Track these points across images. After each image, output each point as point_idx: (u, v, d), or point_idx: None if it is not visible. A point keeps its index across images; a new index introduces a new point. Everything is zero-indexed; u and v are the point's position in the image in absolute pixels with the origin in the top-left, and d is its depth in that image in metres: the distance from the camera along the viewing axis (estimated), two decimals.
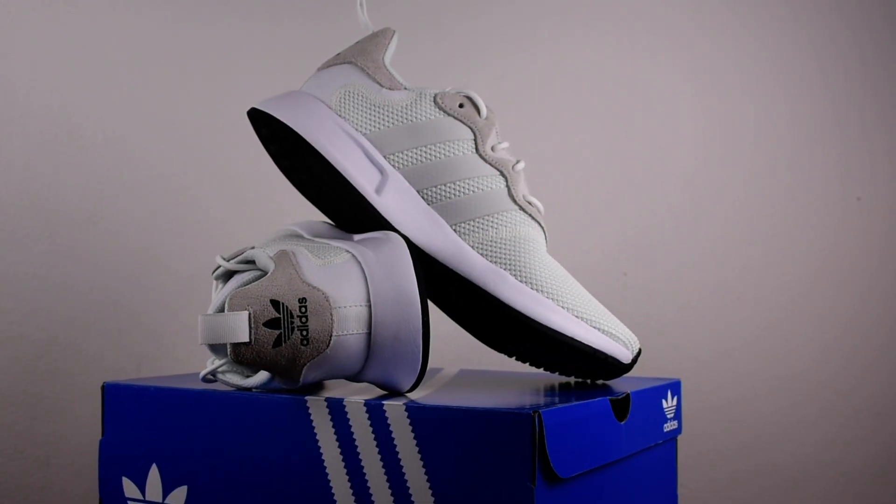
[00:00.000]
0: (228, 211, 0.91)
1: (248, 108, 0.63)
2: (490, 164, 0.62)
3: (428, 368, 0.72)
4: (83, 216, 0.84)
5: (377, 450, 0.51)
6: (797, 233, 1.00)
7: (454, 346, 0.76)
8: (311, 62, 0.70)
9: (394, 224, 0.60)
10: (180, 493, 0.57)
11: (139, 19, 0.88)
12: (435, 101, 0.62)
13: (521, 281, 0.60)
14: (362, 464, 0.51)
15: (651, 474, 0.63)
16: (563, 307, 0.59)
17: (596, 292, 0.69)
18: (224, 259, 0.56)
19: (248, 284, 0.54)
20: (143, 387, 0.59)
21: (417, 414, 0.50)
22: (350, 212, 0.61)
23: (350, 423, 0.52)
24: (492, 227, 0.61)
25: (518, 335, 0.60)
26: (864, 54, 1.00)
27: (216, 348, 0.56)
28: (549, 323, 0.59)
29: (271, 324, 0.52)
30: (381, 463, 0.51)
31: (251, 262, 0.56)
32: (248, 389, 0.55)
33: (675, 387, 0.66)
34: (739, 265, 1.00)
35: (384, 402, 0.51)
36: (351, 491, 0.52)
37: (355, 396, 0.53)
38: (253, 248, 0.56)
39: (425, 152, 0.61)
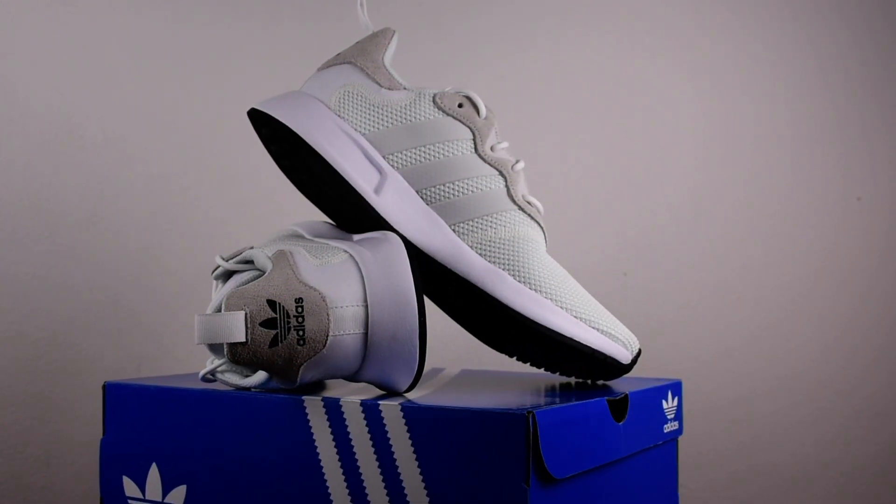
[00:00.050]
0: (228, 211, 0.91)
1: (248, 109, 0.63)
2: (489, 163, 0.62)
3: (430, 368, 0.72)
4: (83, 216, 0.85)
5: (373, 449, 0.51)
6: (797, 233, 1.00)
7: (456, 346, 0.76)
8: (311, 62, 0.70)
9: (392, 224, 0.60)
10: (179, 492, 0.57)
11: (139, 19, 0.88)
12: (434, 101, 0.62)
13: (519, 281, 0.59)
14: (358, 463, 0.52)
15: (651, 475, 0.63)
16: (561, 307, 0.59)
17: (596, 292, 0.69)
18: (223, 259, 0.57)
19: (246, 284, 0.54)
20: (143, 386, 0.59)
21: (413, 414, 0.50)
22: (349, 212, 0.61)
23: (346, 422, 0.52)
24: (491, 227, 0.61)
25: (517, 335, 0.60)
26: (864, 54, 1.00)
27: (215, 348, 0.56)
28: (548, 323, 0.59)
29: (268, 324, 0.52)
30: (377, 462, 0.51)
31: (250, 262, 0.56)
32: (247, 389, 0.55)
33: (676, 387, 0.66)
34: (739, 265, 1.00)
35: (380, 402, 0.51)
36: (347, 490, 0.52)
37: (352, 396, 0.53)
38: (252, 248, 0.57)
39: (424, 152, 0.61)
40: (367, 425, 0.51)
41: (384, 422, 0.51)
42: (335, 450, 0.52)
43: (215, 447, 0.56)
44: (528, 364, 0.62)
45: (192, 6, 0.91)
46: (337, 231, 0.62)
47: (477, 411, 0.49)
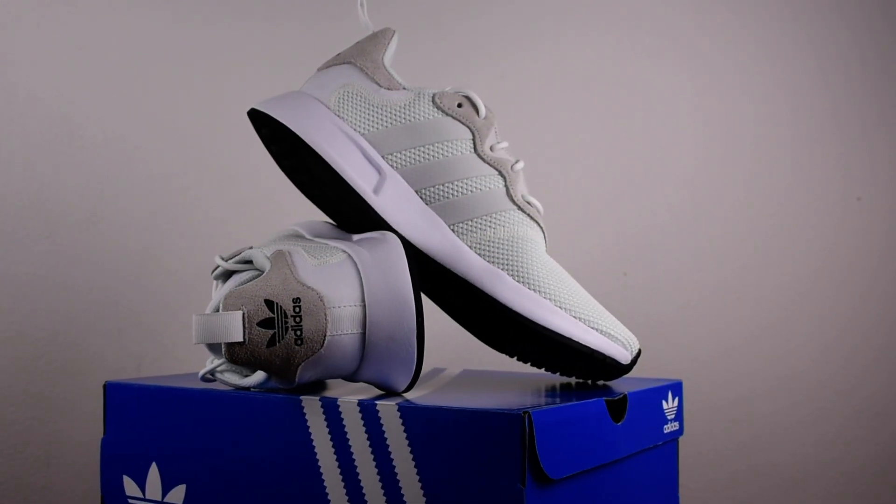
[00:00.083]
0: (228, 211, 0.91)
1: (248, 109, 0.63)
2: (488, 163, 0.62)
3: (431, 368, 0.72)
4: (83, 216, 0.85)
5: (370, 449, 0.51)
6: (797, 233, 1.00)
7: (456, 346, 0.76)
8: (311, 62, 0.70)
9: (391, 224, 0.60)
10: (179, 491, 0.57)
11: (139, 19, 0.88)
12: (433, 101, 0.62)
13: (518, 281, 0.59)
14: (355, 463, 0.52)
15: (651, 476, 0.63)
16: (560, 308, 0.59)
17: (596, 292, 0.69)
18: (223, 259, 0.57)
19: (245, 284, 0.54)
20: (144, 386, 0.59)
21: (409, 414, 0.50)
22: (349, 212, 0.61)
23: (344, 422, 0.52)
24: (490, 226, 0.61)
25: (516, 336, 0.60)
26: (864, 54, 1.00)
27: (214, 348, 0.56)
28: (547, 323, 0.59)
29: (265, 323, 0.52)
30: (374, 462, 0.51)
31: (249, 261, 0.56)
32: (246, 389, 0.55)
33: (677, 388, 0.66)
34: (739, 265, 1.00)
35: (377, 402, 0.51)
36: (344, 490, 0.52)
37: (350, 396, 0.53)
38: (251, 248, 0.57)
39: (423, 152, 0.61)
40: (364, 425, 0.51)
41: (381, 422, 0.51)
42: (332, 449, 0.52)
43: (214, 447, 0.56)
44: (529, 364, 0.62)
45: (192, 6, 0.91)
46: (337, 231, 0.62)
47: (473, 411, 0.49)
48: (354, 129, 0.61)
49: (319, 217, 0.67)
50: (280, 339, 0.52)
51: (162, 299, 0.88)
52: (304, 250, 0.55)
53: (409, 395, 0.54)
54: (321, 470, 0.53)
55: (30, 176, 0.82)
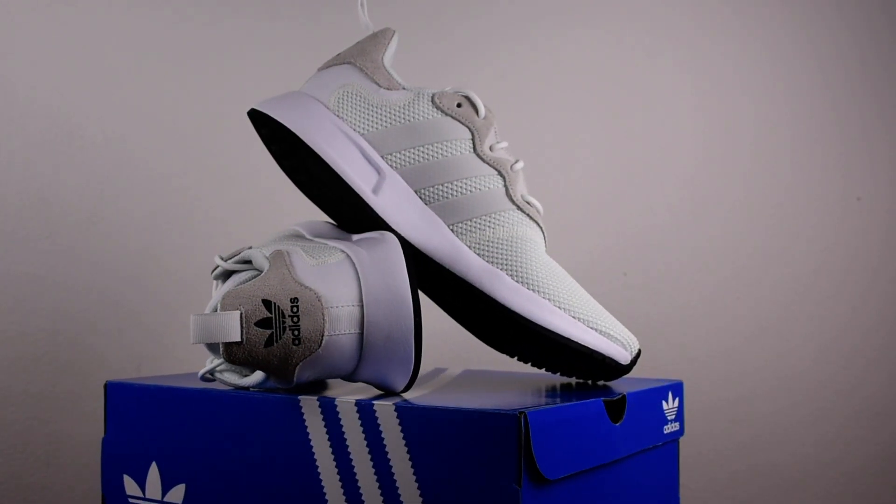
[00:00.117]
0: (228, 211, 0.91)
1: (248, 109, 0.63)
2: (488, 163, 0.62)
3: (432, 368, 0.72)
4: (83, 216, 0.85)
5: (367, 449, 0.51)
6: (797, 233, 1.00)
7: (456, 345, 0.76)
8: (311, 62, 0.71)
9: (391, 224, 0.60)
10: (178, 490, 0.57)
11: (139, 19, 0.88)
12: (433, 101, 0.62)
13: (517, 281, 0.59)
14: (352, 462, 0.52)
15: (650, 476, 0.63)
16: (560, 308, 0.59)
17: (596, 292, 0.69)
18: (222, 259, 0.57)
19: (243, 284, 0.54)
20: (144, 385, 0.59)
21: (406, 414, 0.50)
22: (349, 212, 0.61)
23: (341, 422, 0.52)
24: (489, 226, 0.61)
25: (515, 336, 0.60)
26: (864, 54, 1.00)
27: (213, 348, 0.56)
28: (546, 324, 0.59)
29: (263, 323, 0.52)
30: (371, 462, 0.51)
31: (248, 261, 0.56)
32: (246, 388, 0.55)
33: (677, 388, 0.66)
34: (739, 265, 1.00)
35: (375, 402, 0.51)
36: (342, 489, 0.52)
37: (347, 396, 0.53)
38: (251, 248, 0.57)
39: (423, 152, 0.61)
40: (361, 425, 0.51)
41: (378, 422, 0.51)
42: (330, 449, 0.52)
43: (214, 446, 0.56)
44: (529, 364, 0.62)
45: (192, 6, 0.91)
46: (337, 231, 0.62)
47: (469, 411, 0.49)
48: (354, 129, 0.61)
49: (319, 217, 0.67)
50: (277, 339, 0.52)
51: (162, 299, 0.88)
52: (303, 250, 0.55)
53: (407, 395, 0.55)
54: (319, 469, 0.53)
55: (30, 176, 0.82)
